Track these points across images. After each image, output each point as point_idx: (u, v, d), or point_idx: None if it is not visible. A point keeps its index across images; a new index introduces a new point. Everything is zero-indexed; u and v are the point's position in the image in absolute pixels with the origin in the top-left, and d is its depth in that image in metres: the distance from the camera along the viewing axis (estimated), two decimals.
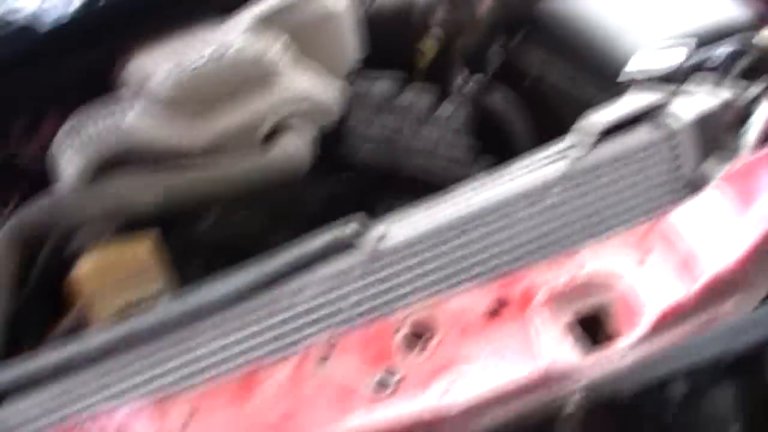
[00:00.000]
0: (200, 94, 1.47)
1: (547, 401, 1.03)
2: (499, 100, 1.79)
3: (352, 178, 1.61)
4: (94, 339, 1.19)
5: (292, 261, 1.17)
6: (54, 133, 1.61)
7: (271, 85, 1.50)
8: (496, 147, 1.72)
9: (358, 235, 1.19)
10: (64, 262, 1.42)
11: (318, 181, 1.57)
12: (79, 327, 1.39)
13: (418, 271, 1.19)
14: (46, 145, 1.64)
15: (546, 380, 1.03)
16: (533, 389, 1.02)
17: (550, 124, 1.60)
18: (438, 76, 1.77)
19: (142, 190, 1.39)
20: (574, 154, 1.29)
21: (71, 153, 1.45)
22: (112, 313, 1.30)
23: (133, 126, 1.43)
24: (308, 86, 1.54)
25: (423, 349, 1.07)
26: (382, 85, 1.66)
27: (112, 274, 1.31)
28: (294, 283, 1.18)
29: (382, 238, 1.19)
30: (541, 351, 1.04)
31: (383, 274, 1.18)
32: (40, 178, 1.64)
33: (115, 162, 1.43)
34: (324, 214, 1.41)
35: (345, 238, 1.18)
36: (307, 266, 1.17)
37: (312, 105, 1.53)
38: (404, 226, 1.21)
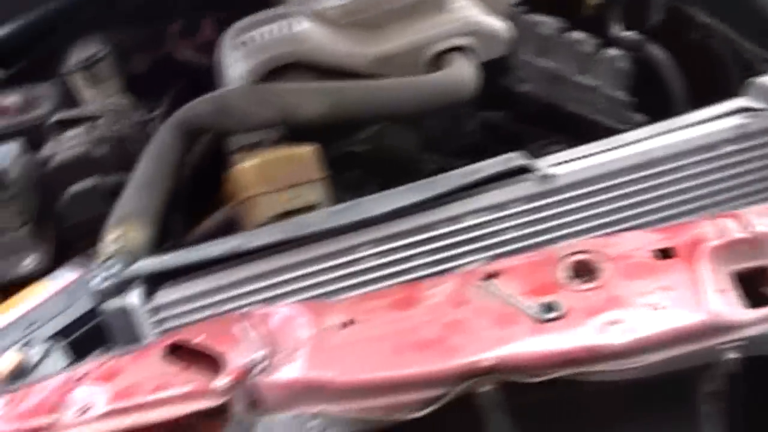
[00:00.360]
0: (373, 14, 1.51)
1: (704, 351, 1.05)
2: (659, 53, 1.78)
3: (509, 113, 1.64)
4: (257, 237, 1.25)
5: (465, 182, 1.20)
6: (211, 37, 1.68)
7: (442, 12, 1.53)
8: (650, 100, 1.72)
9: (530, 167, 1.22)
10: (219, 161, 1.50)
11: (474, 113, 1.60)
12: (230, 223, 1.47)
13: (587, 209, 1.21)
14: (202, 47, 1.71)
15: (709, 330, 1.03)
16: (694, 337, 1.04)
17: (705, 83, 1.59)
18: (597, 25, 1.77)
19: (309, 98, 1.44)
20: (747, 114, 1.28)
21: (239, 56, 1.51)
22: (269, 214, 1.37)
23: (305, 35, 1.48)
24: (479, 18, 1.56)
25: (588, 282, 1.09)
26: (547, 25, 1.67)
27: (274, 176, 1.38)
28: (463, 205, 1.21)
29: (552, 173, 1.22)
30: (707, 300, 1.05)
31: (552, 206, 1.21)
32: (196, 77, 1.72)
33: (282, 69, 1.48)
34: (476, 145, 1.43)
35: (518, 167, 1.21)
36: (477, 189, 1.21)
37: (481, 36, 1.55)
38: (574, 165, 1.23)
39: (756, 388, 1.14)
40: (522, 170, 1.23)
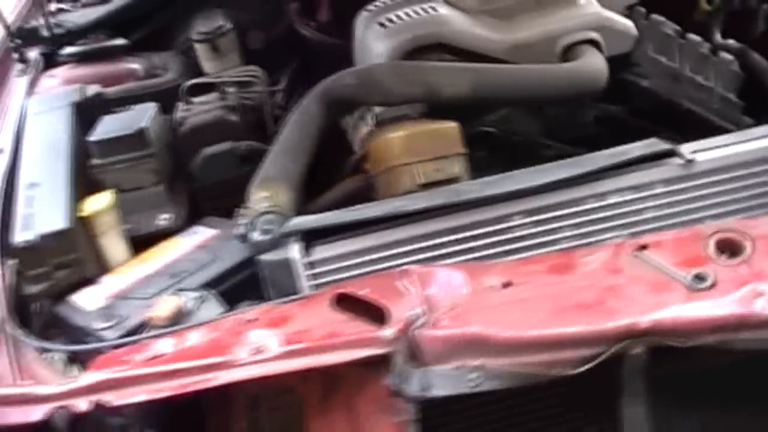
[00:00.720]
0: (506, 4, 1.62)
1: None
2: (762, 61, 1.88)
3: (626, 107, 1.74)
4: (414, 201, 1.35)
5: (612, 162, 1.31)
6: (327, 15, 1.78)
7: (572, 6, 1.63)
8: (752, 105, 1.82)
9: (674, 151, 1.32)
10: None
11: (594, 104, 1.71)
12: (356, 194, 1.57)
13: (725, 194, 1.31)
14: (320, 25, 1.81)
15: None
16: None
17: None
18: (701, 31, 1.87)
19: (453, 78, 1.54)
20: None
21: (383, 34, 1.61)
22: (411, 184, 1.47)
23: (447, 18, 1.59)
24: (609, 14, 1.67)
25: (733, 258, 1.19)
26: (668, 25, 1.77)
27: (419, 148, 1.48)
28: (609, 183, 1.31)
29: (694, 158, 1.32)
30: None
31: (692, 190, 1.31)
32: (313, 54, 1.82)
33: (423, 49, 1.58)
34: (593, 136, 1.53)
35: (663, 151, 1.31)
36: (623, 169, 1.31)
37: (610, 32, 1.65)
38: (713, 153, 1.34)
39: None
40: (666, 154, 1.33)
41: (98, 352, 1.27)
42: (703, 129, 1.58)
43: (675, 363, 1.23)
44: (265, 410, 1.31)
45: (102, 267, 1.53)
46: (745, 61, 1.85)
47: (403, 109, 1.56)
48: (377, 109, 1.67)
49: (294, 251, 1.32)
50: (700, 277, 1.16)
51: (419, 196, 1.39)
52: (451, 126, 1.50)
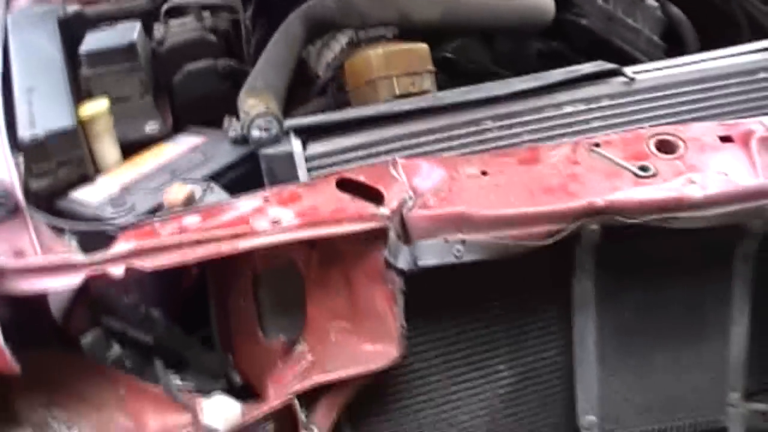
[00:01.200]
0: None
1: (757, 208, 1.44)
2: (678, 12, 2.19)
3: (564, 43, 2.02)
4: (400, 104, 1.59)
5: (568, 77, 1.57)
6: None
7: None
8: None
9: (620, 71, 1.60)
10: None
11: (538, 38, 1.97)
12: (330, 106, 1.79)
13: (661, 108, 1.60)
14: None
15: (762, 192, 1.44)
16: (751, 197, 1.43)
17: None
18: None
19: (424, 5, 1.77)
20: None
21: None
22: (388, 95, 1.70)
23: None
24: None
25: (670, 154, 1.47)
26: None
27: (395, 64, 1.70)
28: (564, 95, 1.58)
29: (633, 77, 1.60)
30: (760, 172, 1.45)
31: (633, 104, 1.59)
32: None
33: None
34: (536, 65, 1.80)
35: (610, 69, 1.59)
36: (576, 84, 1.58)
37: None
38: (652, 73, 1.63)
39: None
40: (612, 73, 1.61)
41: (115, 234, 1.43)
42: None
43: (619, 245, 1.51)
44: (268, 286, 1.52)
45: (97, 169, 1.69)
46: (664, 11, 2.16)
47: (380, 30, 1.78)
48: (345, 37, 1.88)
49: (295, 145, 1.53)
50: (644, 168, 1.44)
51: (402, 101, 1.61)
52: (423, 47, 1.73)
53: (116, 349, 1.57)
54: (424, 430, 1.61)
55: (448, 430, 1.62)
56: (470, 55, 1.92)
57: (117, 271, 1.32)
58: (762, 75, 1.67)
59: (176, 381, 1.54)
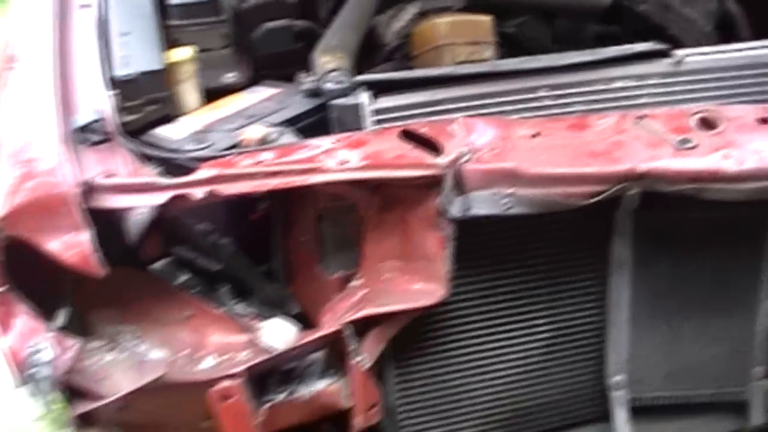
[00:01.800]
0: None
1: None
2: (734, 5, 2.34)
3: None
4: (463, 68, 1.76)
5: (621, 54, 1.73)
6: None
7: None
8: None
9: (668, 52, 1.75)
10: None
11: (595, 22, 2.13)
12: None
13: (706, 90, 1.75)
14: None
15: None
16: None
17: None
18: None
19: None
20: None
21: None
22: (452, 61, 1.87)
23: None
24: None
25: (711, 130, 1.62)
26: None
27: (460, 32, 1.88)
28: (616, 71, 1.74)
29: (682, 59, 1.76)
30: None
31: (681, 84, 1.74)
32: None
33: None
34: (592, 47, 1.96)
35: (661, 50, 1.74)
36: (628, 61, 1.74)
37: None
38: (700, 57, 1.78)
39: None
40: (662, 53, 1.76)
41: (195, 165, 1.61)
42: None
43: (656, 213, 1.67)
44: (329, 224, 1.70)
45: (180, 111, 1.89)
46: (720, 3, 2.31)
47: (447, 2, 1.96)
48: (414, 8, 2.05)
49: (364, 97, 1.70)
50: (684, 141, 1.59)
51: (465, 66, 1.79)
52: (487, 19, 1.90)
53: (184, 277, 1.77)
54: (463, 373, 1.78)
55: (485, 377, 1.79)
56: (531, 32, 2.09)
57: (198, 193, 1.51)
58: None
59: (239, 306, 1.73)
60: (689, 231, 1.71)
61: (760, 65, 1.79)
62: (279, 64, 2.01)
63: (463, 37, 1.88)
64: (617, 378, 1.82)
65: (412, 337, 1.69)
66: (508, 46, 2.04)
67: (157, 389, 1.61)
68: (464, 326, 1.73)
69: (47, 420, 2.74)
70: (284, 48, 2.03)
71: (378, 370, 1.69)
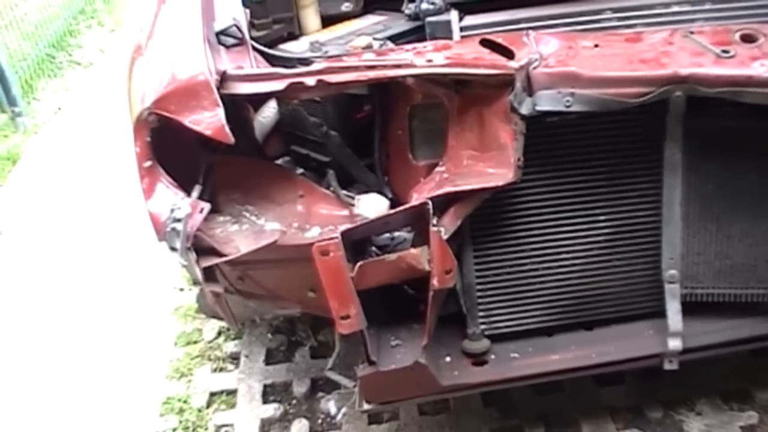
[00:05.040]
0: None
1: None
2: None
3: None
4: None
5: None
6: None
7: None
8: None
9: None
10: None
11: None
12: None
13: (753, 11, 2.08)
14: None
15: None
16: None
17: None
18: None
19: None
20: None
21: None
22: None
23: None
24: None
25: (751, 43, 1.96)
26: None
27: None
28: None
29: None
30: None
31: (734, 8, 2.09)
32: None
33: None
34: None
35: None
36: None
37: None
38: None
39: None
40: None
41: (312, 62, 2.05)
42: None
43: (704, 120, 2.01)
44: (420, 119, 2.12)
45: (302, 33, 2.35)
46: None
47: None
48: None
49: (453, 15, 2.12)
50: (725, 51, 1.93)
51: None
52: None
53: (299, 170, 2.22)
54: (531, 259, 2.16)
55: (551, 264, 2.17)
56: None
57: (310, 81, 1.94)
58: None
59: (343, 191, 2.17)
60: (734, 137, 2.04)
61: None
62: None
63: None
64: (671, 272, 2.16)
65: (487, 223, 2.11)
66: None
67: (271, 255, 2.05)
68: (533, 216, 2.12)
69: (179, 314, 3.27)
70: None
71: (458, 251, 2.09)
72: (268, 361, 3.00)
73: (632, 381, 2.68)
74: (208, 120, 1.92)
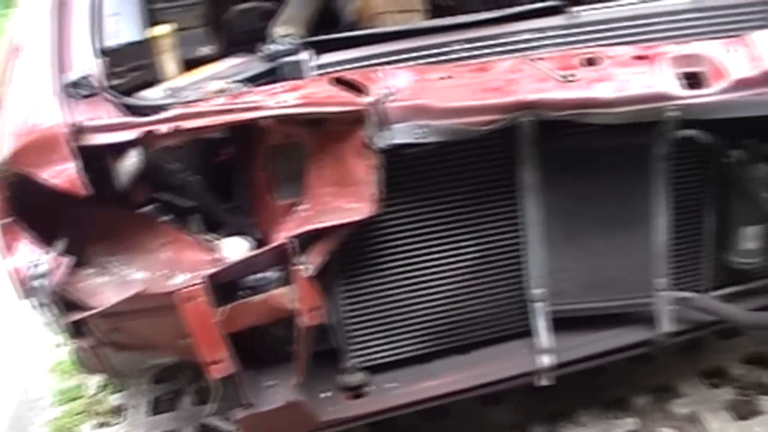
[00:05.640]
0: None
1: (656, 109, 1.96)
2: None
3: None
4: (383, 28, 2.19)
5: (523, 10, 2.15)
6: None
7: None
8: None
9: (563, 8, 2.17)
10: None
11: None
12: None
13: (601, 37, 2.16)
14: None
15: (660, 96, 1.96)
16: (651, 99, 1.96)
17: None
18: None
19: None
20: None
21: None
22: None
23: None
24: None
25: (592, 66, 2.03)
26: None
27: (395, 3, 2.31)
28: (519, 25, 2.16)
29: (577, 14, 2.17)
30: (662, 82, 1.98)
31: (574, 35, 2.16)
32: None
33: None
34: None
35: (558, 5, 2.16)
36: (530, 17, 2.16)
37: None
38: (591, 12, 2.19)
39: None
40: (558, 10, 2.18)
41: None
42: None
43: (555, 142, 2.07)
44: (279, 159, 2.12)
45: (161, 79, 2.34)
46: None
47: None
48: None
49: (306, 55, 2.14)
50: (568, 75, 2.00)
51: (393, 27, 2.22)
52: None
53: (167, 218, 2.21)
54: (399, 289, 2.19)
55: (419, 293, 2.20)
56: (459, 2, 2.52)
57: (164, 128, 1.93)
58: (685, 16, 2.23)
59: (206, 235, 2.16)
60: (587, 157, 2.10)
61: (641, 17, 2.21)
62: (248, 39, 2.46)
63: (397, 6, 2.31)
64: (537, 291, 2.21)
65: (355, 257, 2.12)
66: (437, 15, 2.46)
67: (140, 305, 2.03)
68: (399, 247, 2.14)
69: (58, 371, 3.20)
70: (252, 26, 2.49)
71: (327, 287, 2.10)
72: (154, 411, 2.95)
73: (517, 398, 2.72)
74: (63, 173, 1.91)
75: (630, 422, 2.64)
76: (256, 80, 2.23)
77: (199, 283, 1.92)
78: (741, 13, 2.29)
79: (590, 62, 2.04)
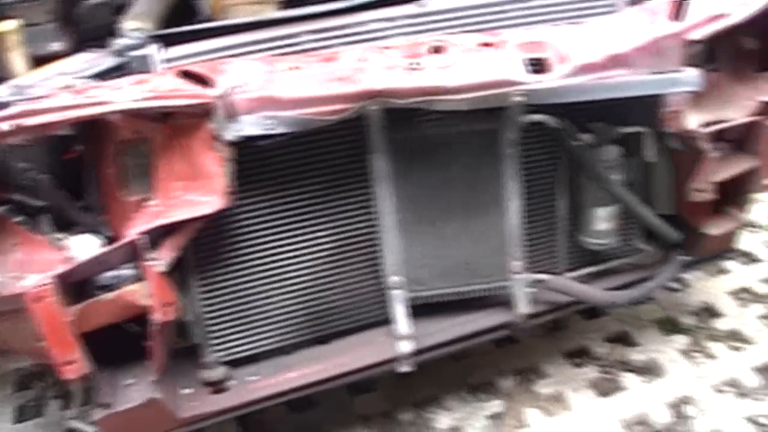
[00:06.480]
0: None
1: (502, 94, 2.00)
2: None
3: None
4: (232, 21, 2.17)
5: (366, 3, 2.16)
6: None
7: None
8: None
9: None
10: None
11: None
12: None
13: (450, 25, 2.18)
14: None
15: (504, 83, 2.00)
16: (497, 85, 1.99)
17: None
18: None
19: None
20: None
21: None
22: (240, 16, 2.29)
23: None
24: None
25: (438, 54, 2.04)
26: None
27: None
28: (368, 15, 2.16)
29: (427, 2, 2.19)
30: (507, 69, 2.02)
31: (425, 24, 2.18)
32: None
33: None
34: None
35: None
36: (380, 7, 2.16)
37: None
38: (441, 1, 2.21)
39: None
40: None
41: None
42: None
43: (405, 130, 2.09)
44: (128, 155, 2.08)
45: (8, 76, 2.27)
46: None
47: None
48: None
49: (153, 49, 2.11)
50: (414, 64, 2.01)
51: (240, 18, 2.20)
52: None
53: (20, 218, 2.15)
54: (258, 281, 2.17)
55: (278, 284, 2.19)
56: None
57: (5, 126, 1.88)
58: (534, 3, 2.26)
59: (57, 234, 2.11)
60: (438, 144, 2.12)
61: (490, 5, 2.24)
62: (100, 35, 2.40)
63: None
64: (394, 278, 2.22)
65: (210, 251, 2.10)
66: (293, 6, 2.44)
67: None
68: (255, 239, 2.13)
69: None
70: (104, 21, 2.43)
71: (182, 282, 2.08)
72: (20, 418, 2.86)
73: (385, 387, 2.73)
74: None
75: (496, 404, 2.68)
76: (104, 75, 2.19)
77: (48, 283, 1.87)
78: (585, 1, 2.34)
79: (437, 50, 2.05)
